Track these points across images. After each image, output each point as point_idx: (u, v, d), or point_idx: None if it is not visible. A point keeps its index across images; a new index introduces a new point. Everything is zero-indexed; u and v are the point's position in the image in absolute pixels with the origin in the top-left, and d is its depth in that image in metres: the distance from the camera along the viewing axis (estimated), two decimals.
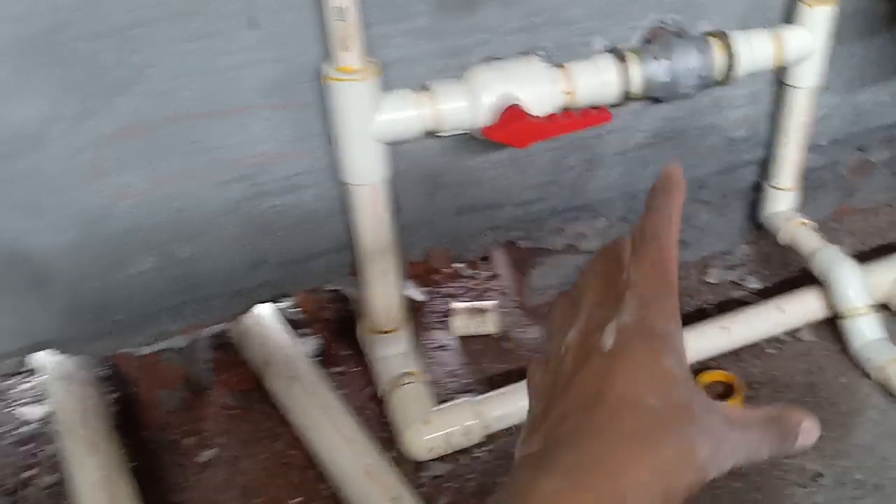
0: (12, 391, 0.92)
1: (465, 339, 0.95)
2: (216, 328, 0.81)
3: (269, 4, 0.65)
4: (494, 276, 1.03)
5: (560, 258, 0.92)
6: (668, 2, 0.78)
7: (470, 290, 1.02)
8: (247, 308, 0.81)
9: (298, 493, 0.78)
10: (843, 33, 0.87)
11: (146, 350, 0.78)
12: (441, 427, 0.77)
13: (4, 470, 0.83)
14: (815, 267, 0.89)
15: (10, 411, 0.90)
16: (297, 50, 0.67)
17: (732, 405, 0.30)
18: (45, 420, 0.88)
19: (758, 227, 1.01)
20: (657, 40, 0.78)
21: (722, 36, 0.78)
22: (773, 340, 0.91)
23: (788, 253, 0.98)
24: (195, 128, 0.68)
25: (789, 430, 0.29)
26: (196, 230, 0.73)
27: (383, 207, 0.73)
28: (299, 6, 0.65)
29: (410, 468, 0.79)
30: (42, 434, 0.87)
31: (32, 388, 0.92)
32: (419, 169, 0.78)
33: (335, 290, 0.91)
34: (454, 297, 1.01)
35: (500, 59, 0.73)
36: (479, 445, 0.80)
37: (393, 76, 0.70)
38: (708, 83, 0.79)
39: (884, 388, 0.84)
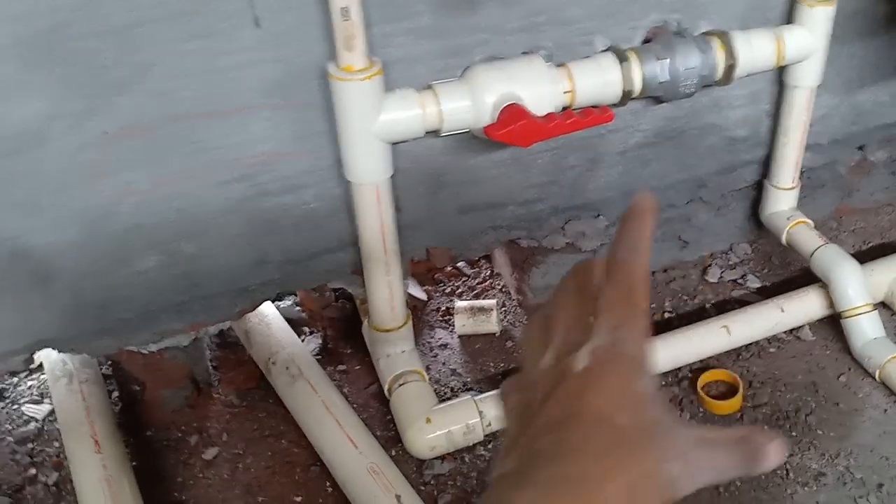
0: (16, 389, 0.92)
1: (467, 338, 0.95)
2: (219, 326, 0.81)
3: (270, 4, 0.65)
4: (496, 275, 1.03)
5: (561, 257, 0.93)
6: (669, 2, 0.79)
7: (471, 289, 1.02)
8: (250, 306, 0.81)
9: (301, 491, 0.79)
10: (842, 33, 0.87)
11: (150, 348, 0.79)
12: (443, 425, 0.77)
13: (8, 468, 0.83)
14: (816, 266, 0.89)
15: (13, 409, 0.90)
16: (297, 49, 0.68)
17: (700, 426, 0.31)
18: (49, 418, 0.88)
19: (758, 227, 1.01)
20: (658, 40, 0.78)
21: (722, 35, 0.79)
22: (774, 339, 0.91)
23: (789, 252, 0.99)
24: (196, 127, 0.68)
25: (757, 451, 0.30)
26: (198, 229, 0.73)
27: (386, 206, 0.74)
28: (300, 6, 0.66)
29: (413, 466, 0.80)
30: (45, 432, 0.87)
31: (35, 386, 0.92)
32: (421, 168, 0.78)
33: (338, 289, 0.92)
34: (456, 295, 1.01)
35: (501, 58, 0.73)
36: (481, 444, 0.81)
37: (394, 76, 0.70)
38: (708, 83, 0.79)
39: (885, 387, 0.84)
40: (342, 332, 0.94)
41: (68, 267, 0.70)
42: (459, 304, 0.96)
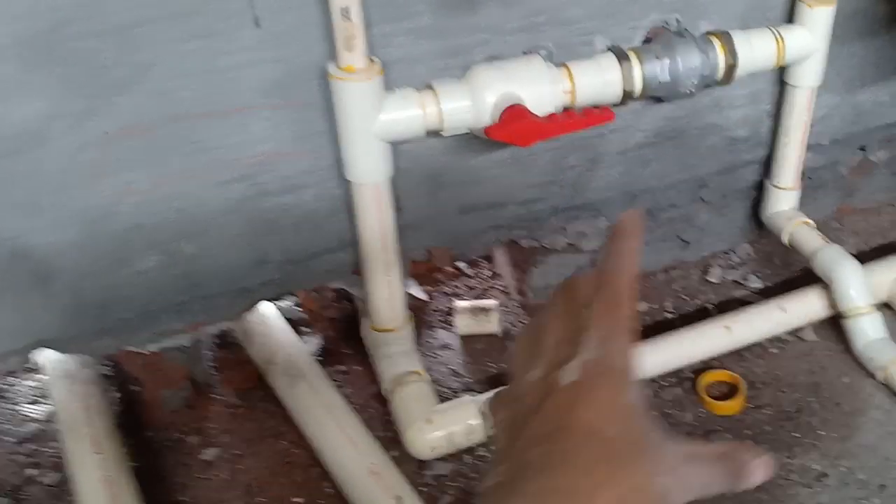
0: (15, 390, 0.92)
1: (468, 338, 0.95)
2: (219, 326, 0.81)
3: (270, 4, 0.65)
4: (496, 275, 1.03)
5: (561, 257, 0.93)
6: (669, 1, 0.79)
7: (472, 289, 1.02)
8: (250, 306, 0.81)
9: (301, 492, 0.78)
10: (843, 33, 0.87)
11: (149, 348, 0.79)
12: (444, 426, 0.77)
13: (7, 469, 0.83)
14: (817, 266, 0.89)
15: (12, 410, 0.90)
16: (297, 49, 0.68)
17: (688, 440, 0.31)
18: (48, 419, 0.88)
19: (759, 227, 1.01)
20: (658, 40, 0.78)
21: (723, 35, 0.78)
22: (776, 340, 0.91)
23: (790, 252, 0.98)
24: (196, 127, 0.68)
25: (742, 466, 0.30)
26: (198, 229, 0.73)
27: (386, 206, 0.74)
28: (300, 6, 0.66)
29: (413, 467, 0.79)
30: (45, 433, 0.87)
31: (35, 386, 0.92)
32: (421, 168, 0.78)
33: (338, 289, 0.91)
34: (456, 296, 1.01)
35: (501, 58, 0.73)
36: (481, 445, 0.80)
37: (395, 76, 0.70)
38: (709, 82, 0.79)
39: (887, 387, 0.84)
40: (342, 333, 0.94)
41: (68, 267, 0.70)
42: (460, 304, 0.96)
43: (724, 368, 0.87)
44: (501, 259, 1.00)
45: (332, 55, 0.66)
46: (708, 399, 0.84)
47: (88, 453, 0.75)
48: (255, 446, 0.83)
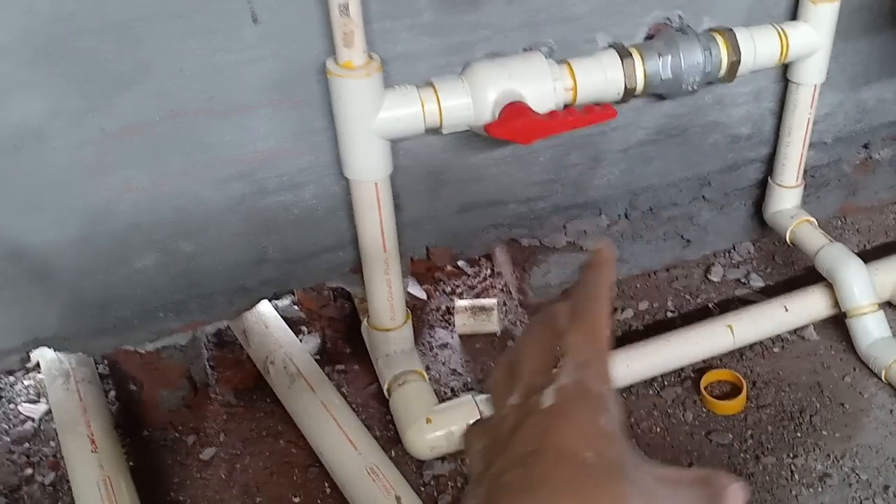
0: (12, 388, 0.92)
1: (467, 338, 0.94)
2: (217, 325, 0.81)
3: (269, 1, 0.64)
4: (496, 274, 1.03)
5: (562, 256, 0.92)
6: None
7: (472, 288, 1.02)
8: (249, 305, 0.80)
9: (300, 492, 0.78)
10: (847, 30, 0.87)
11: (147, 347, 0.78)
12: (443, 426, 0.76)
13: (4, 468, 0.82)
14: (821, 265, 0.88)
15: (10, 409, 0.89)
16: (298, 46, 0.67)
17: (663, 465, 0.31)
18: (45, 418, 0.87)
19: (762, 225, 1.00)
20: (660, 36, 0.77)
21: (726, 32, 0.78)
22: (778, 339, 0.90)
23: (793, 251, 0.98)
24: (195, 125, 0.67)
25: (717, 492, 0.31)
26: (198, 227, 0.72)
27: (385, 205, 0.73)
28: (299, 2, 0.65)
29: (412, 467, 0.79)
30: (42, 432, 0.86)
31: (32, 385, 0.92)
32: (421, 166, 0.78)
33: (337, 288, 0.91)
34: (456, 294, 1.01)
35: (502, 55, 0.73)
36: None
37: (395, 72, 0.70)
38: (711, 80, 0.79)
39: (891, 387, 0.83)
40: (341, 332, 0.93)
41: (66, 265, 0.70)
42: (460, 303, 0.96)
43: (726, 368, 0.87)
44: (502, 258, 0.99)
45: (332, 51, 0.65)
46: (709, 398, 0.83)
47: (85, 452, 0.75)
48: (254, 446, 0.83)
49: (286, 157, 0.72)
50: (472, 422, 0.37)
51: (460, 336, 0.94)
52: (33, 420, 0.88)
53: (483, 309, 0.94)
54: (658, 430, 0.82)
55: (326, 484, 0.78)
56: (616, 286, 0.98)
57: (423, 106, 0.68)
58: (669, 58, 0.75)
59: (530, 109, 0.68)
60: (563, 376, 0.31)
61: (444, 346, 0.94)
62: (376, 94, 0.67)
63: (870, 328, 0.85)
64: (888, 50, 0.92)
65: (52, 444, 0.84)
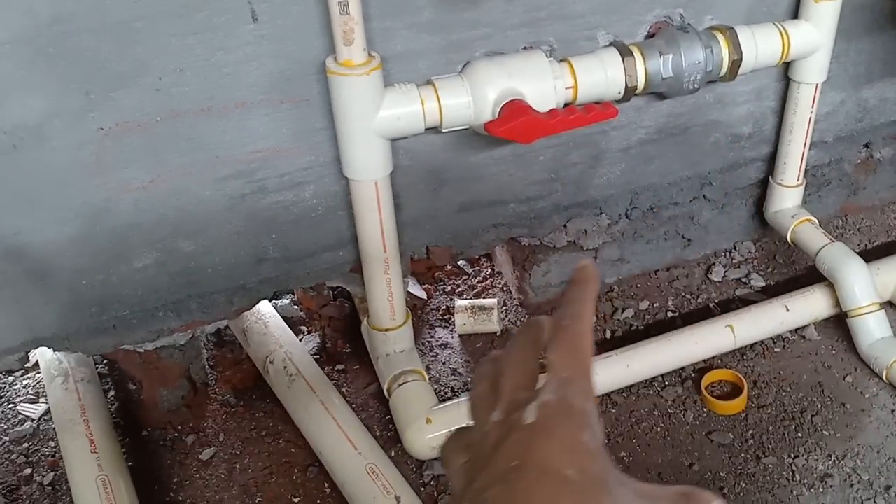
0: (11, 388, 0.92)
1: (468, 337, 0.94)
2: (216, 325, 0.80)
3: (270, 0, 0.64)
4: (496, 274, 1.02)
5: (562, 255, 0.92)
6: None
7: (472, 288, 1.01)
8: (249, 305, 0.80)
9: (299, 492, 0.78)
10: (849, 28, 0.86)
11: (147, 347, 0.78)
12: (443, 426, 0.76)
13: (3, 468, 0.82)
14: (822, 264, 0.88)
15: (8, 409, 0.89)
16: (298, 45, 0.67)
17: (644, 482, 0.31)
18: (44, 417, 0.87)
19: (762, 225, 1.00)
20: (661, 35, 0.77)
21: (727, 31, 0.77)
22: (779, 339, 0.90)
23: (793, 251, 0.98)
24: (195, 124, 0.67)
25: None
26: (197, 226, 0.72)
27: (385, 204, 0.73)
28: (300, 0, 0.65)
29: (412, 467, 0.79)
30: (41, 432, 0.86)
31: (31, 385, 0.92)
32: (421, 165, 0.77)
33: (336, 288, 0.91)
34: (456, 294, 1.00)
35: (502, 53, 0.72)
36: None
37: (395, 71, 0.69)
38: (713, 78, 0.78)
39: (892, 387, 0.83)
40: (341, 332, 0.93)
41: (66, 265, 0.69)
42: (460, 302, 0.95)
43: (727, 367, 0.87)
44: (502, 257, 0.99)
45: (331, 50, 0.65)
46: (710, 398, 0.83)
47: (84, 452, 0.75)
48: (253, 446, 0.83)
49: (286, 157, 0.72)
50: (449, 435, 0.36)
51: (460, 336, 0.94)
52: (32, 420, 0.87)
53: (483, 309, 0.94)
54: (658, 430, 0.82)
55: (326, 484, 0.78)
56: (616, 286, 0.98)
57: (423, 104, 0.68)
58: (671, 56, 0.75)
59: (531, 108, 0.68)
60: (546, 393, 0.31)
61: (444, 345, 0.94)
62: (376, 93, 0.67)
63: (871, 328, 0.84)
64: (890, 49, 0.92)
65: (52, 443, 0.84)
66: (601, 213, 0.90)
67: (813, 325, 0.90)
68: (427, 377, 0.81)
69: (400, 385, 0.79)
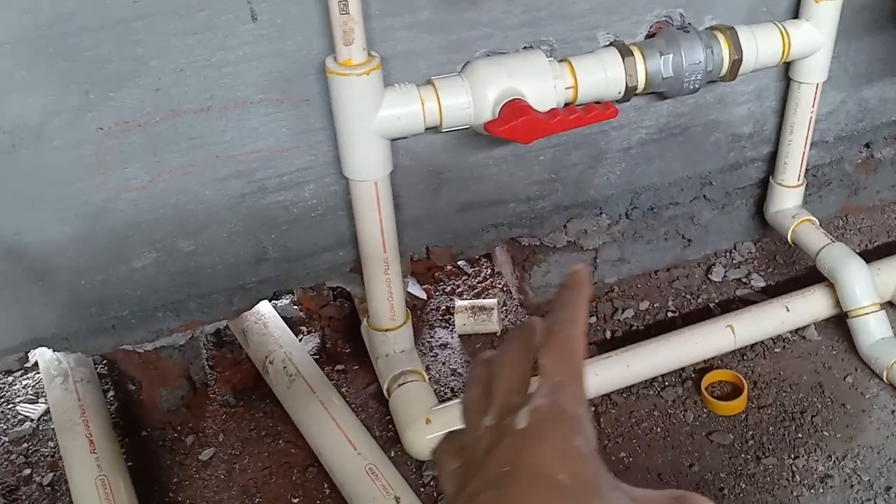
0: (11, 388, 0.92)
1: (467, 337, 0.94)
2: (216, 325, 0.80)
3: None
4: (496, 274, 1.02)
5: (562, 255, 0.92)
6: None
7: (472, 288, 1.01)
8: (248, 305, 0.80)
9: (299, 492, 0.78)
10: (849, 28, 0.86)
11: (146, 347, 0.78)
12: (443, 426, 0.76)
13: (3, 468, 0.82)
14: (822, 265, 0.88)
15: (8, 409, 0.89)
16: (298, 44, 0.67)
17: (636, 487, 0.31)
18: (44, 418, 0.87)
19: (763, 225, 1.00)
20: (662, 35, 0.77)
21: (727, 31, 0.77)
22: (779, 339, 0.90)
23: (794, 251, 0.97)
24: (194, 123, 0.67)
25: None
26: (197, 225, 0.72)
27: (385, 204, 0.73)
28: (300, 0, 0.65)
29: (412, 468, 0.79)
30: (40, 432, 0.86)
31: (30, 385, 0.92)
32: (421, 165, 0.77)
33: (336, 288, 0.91)
34: (456, 294, 1.00)
35: (502, 53, 0.72)
36: None
37: (395, 70, 0.69)
38: (713, 78, 0.78)
39: (892, 387, 0.83)
40: (341, 332, 0.93)
41: (65, 264, 0.69)
42: (460, 303, 0.95)
43: (727, 368, 0.87)
44: (502, 257, 0.99)
45: (331, 50, 0.65)
46: (710, 399, 0.83)
47: (84, 453, 0.75)
48: (253, 446, 0.82)
49: (286, 157, 0.72)
50: (441, 439, 0.36)
51: (460, 336, 0.94)
52: (32, 420, 0.87)
53: (483, 309, 0.94)
54: (658, 430, 0.82)
55: (325, 484, 0.78)
56: (616, 286, 0.98)
57: (422, 104, 0.68)
58: (671, 56, 0.75)
59: (531, 108, 0.68)
60: (538, 397, 0.31)
61: (444, 346, 0.94)
62: (376, 93, 0.66)
63: (871, 328, 0.84)
64: (890, 49, 0.92)
65: (51, 444, 0.84)
66: (601, 213, 0.90)
67: (813, 326, 0.90)
68: (427, 377, 0.81)
69: (400, 385, 0.79)
